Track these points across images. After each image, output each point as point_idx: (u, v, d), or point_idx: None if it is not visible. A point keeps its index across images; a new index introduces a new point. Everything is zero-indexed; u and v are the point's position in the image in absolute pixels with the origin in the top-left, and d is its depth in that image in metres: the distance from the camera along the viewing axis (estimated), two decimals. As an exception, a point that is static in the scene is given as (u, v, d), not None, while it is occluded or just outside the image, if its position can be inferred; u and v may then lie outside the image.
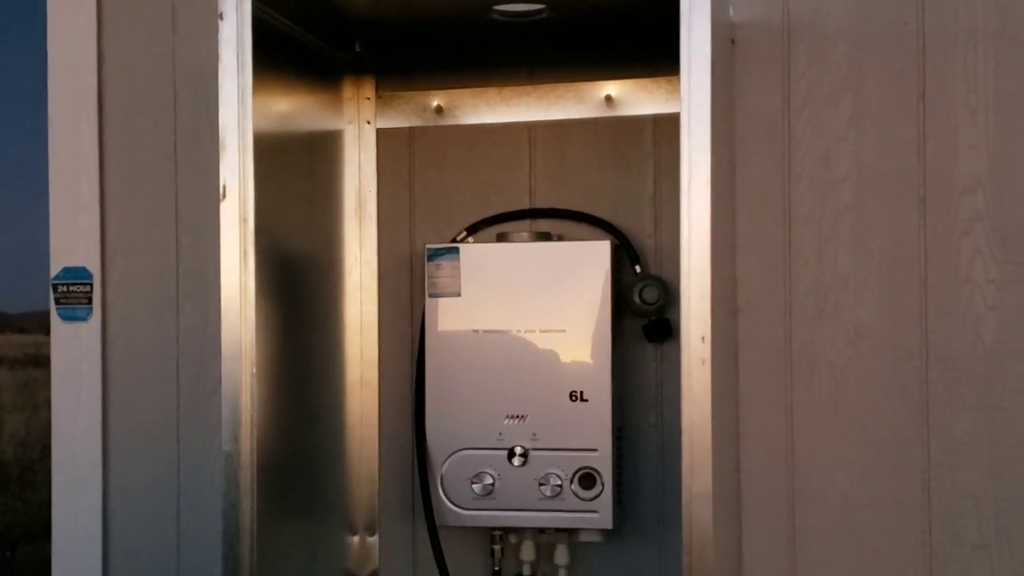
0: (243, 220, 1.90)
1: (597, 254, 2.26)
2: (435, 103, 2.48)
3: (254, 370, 1.92)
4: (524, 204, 2.47)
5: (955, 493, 2.30)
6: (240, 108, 1.91)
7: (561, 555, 2.38)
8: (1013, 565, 2.28)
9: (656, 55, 2.15)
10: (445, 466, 2.30)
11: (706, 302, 1.76)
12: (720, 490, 1.86)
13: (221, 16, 1.90)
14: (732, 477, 2.35)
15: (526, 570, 2.40)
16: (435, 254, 2.32)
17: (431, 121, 2.48)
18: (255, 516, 1.91)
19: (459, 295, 2.30)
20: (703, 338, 1.77)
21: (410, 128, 2.51)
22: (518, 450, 2.27)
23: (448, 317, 2.31)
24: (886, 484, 2.32)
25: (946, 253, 2.31)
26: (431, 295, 2.32)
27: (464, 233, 2.44)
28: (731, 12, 2.36)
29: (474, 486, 2.28)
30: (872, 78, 2.34)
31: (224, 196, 1.90)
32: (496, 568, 2.40)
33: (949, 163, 2.31)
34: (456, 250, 2.31)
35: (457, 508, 2.30)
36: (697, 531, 1.77)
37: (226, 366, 1.91)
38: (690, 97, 1.79)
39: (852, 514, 2.34)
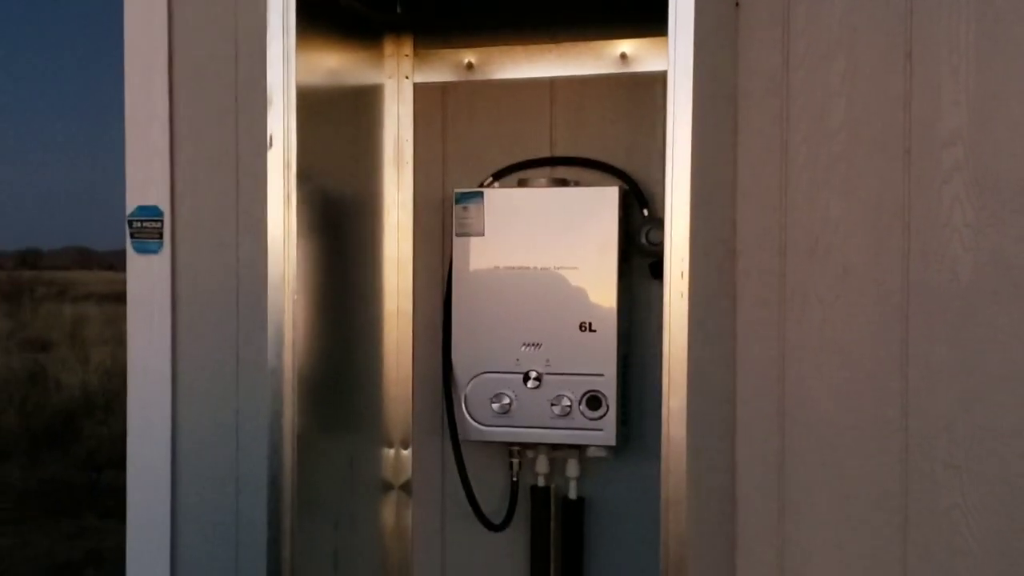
0: (287, 166, 2.18)
1: (607, 198, 2.50)
2: (467, 60, 2.73)
3: (295, 298, 2.19)
4: (545, 153, 2.71)
5: (930, 418, 2.52)
6: (285, 67, 2.17)
7: (572, 468, 2.65)
8: (981, 484, 2.50)
9: (667, 16, 2.37)
10: (468, 387, 2.57)
11: (685, 241, 2.00)
12: (699, 409, 2.12)
13: (269, -16, 2.17)
14: (727, 403, 2.60)
15: (541, 481, 2.68)
16: (462, 198, 2.58)
17: (463, 76, 2.74)
18: (295, 424, 2.20)
19: (483, 235, 2.56)
20: (682, 273, 2.00)
21: (444, 83, 2.76)
22: (533, 374, 2.53)
23: (473, 255, 2.57)
24: (867, 408, 2.56)
25: (928, 200, 2.52)
26: (458, 235, 2.58)
27: (490, 179, 2.70)
28: (735, -23, 2.58)
29: (493, 405, 2.55)
30: (864, 38, 2.55)
31: (271, 145, 2.17)
32: (514, 479, 2.68)
33: (932, 118, 2.51)
34: (481, 194, 2.56)
35: (478, 424, 2.57)
36: (673, 445, 2.01)
37: (271, 295, 2.19)
38: (675, 57, 2.01)
39: (836, 435, 2.57)
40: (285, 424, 2.19)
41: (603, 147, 2.66)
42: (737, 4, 2.60)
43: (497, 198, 2.56)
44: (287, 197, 2.17)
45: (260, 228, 2.24)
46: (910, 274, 2.53)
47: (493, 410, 2.55)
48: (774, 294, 2.60)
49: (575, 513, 2.68)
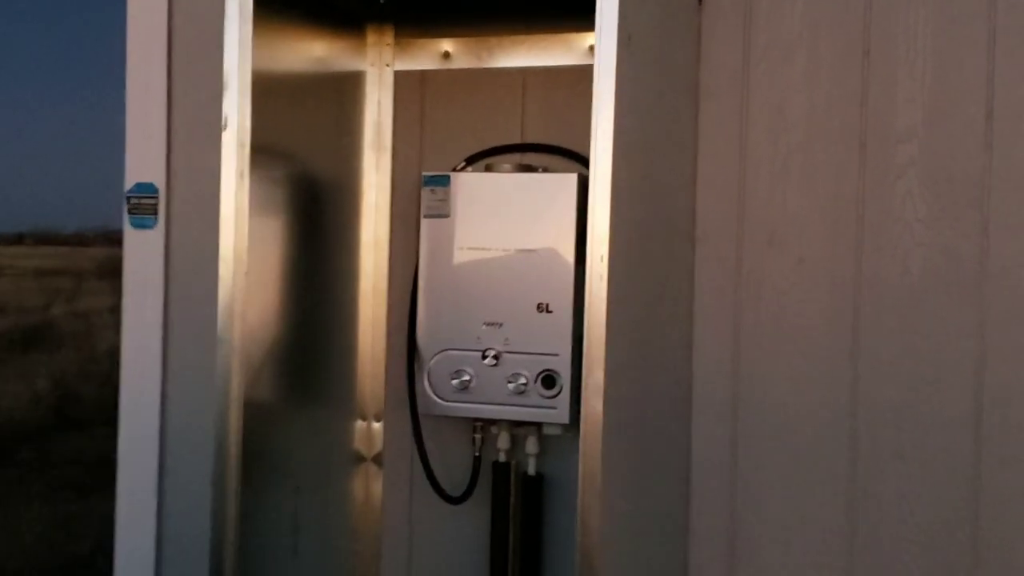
0: (240, 146, 2.29)
1: (567, 185, 2.58)
2: (444, 49, 2.83)
3: (245, 271, 2.30)
4: (516, 139, 2.81)
5: (878, 407, 2.58)
6: (241, 52, 2.29)
7: (531, 445, 2.75)
8: (926, 474, 2.56)
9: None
10: (431, 363, 2.67)
11: (605, 227, 2.08)
12: (620, 391, 2.20)
13: (226, -27, 2.28)
14: (683, 386, 2.68)
15: (502, 457, 2.77)
16: (430, 180, 2.67)
17: (441, 65, 2.83)
18: (242, 392, 2.31)
19: (448, 216, 2.66)
20: (602, 257, 2.08)
21: (423, 71, 2.87)
22: (491, 352, 2.62)
23: (439, 236, 2.67)
24: (819, 395, 2.62)
25: (881, 194, 2.58)
26: (425, 216, 2.67)
27: (463, 163, 2.80)
28: (700, -27, 2.66)
29: (453, 381, 2.64)
30: (824, 34, 2.61)
31: (225, 127, 2.29)
32: (476, 454, 2.78)
33: (888, 114, 2.57)
34: (448, 178, 2.66)
35: (440, 400, 2.67)
36: (590, 420, 2.09)
37: (222, 268, 2.30)
38: (600, 49, 2.09)
39: (788, 420, 2.64)
40: (232, 390, 2.30)
41: (571, 135, 2.74)
42: (700, 1, 2.67)
43: (463, 182, 2.66)
44: (240, 175, 2.28)
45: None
46: (863, 266, 2.59)
47: (453, 386, 2.64)
48: (730, 282, 2.68)
49: (534, 489, 2.77)
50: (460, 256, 2.65)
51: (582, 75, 2.72)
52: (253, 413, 2.37)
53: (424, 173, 2.68)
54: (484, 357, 2.62)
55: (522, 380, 2.59)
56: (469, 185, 2.66)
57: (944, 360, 2.53)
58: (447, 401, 2.66)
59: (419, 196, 2.80)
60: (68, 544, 6.60)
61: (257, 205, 2.38)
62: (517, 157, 2.78)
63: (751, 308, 2.67)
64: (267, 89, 2.37)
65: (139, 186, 3.06)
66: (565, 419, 2.59)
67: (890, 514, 2.58)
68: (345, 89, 2.81)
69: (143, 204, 3.06)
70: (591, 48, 2.64)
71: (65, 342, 13.28)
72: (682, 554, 2.71)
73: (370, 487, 2.91)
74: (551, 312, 2.59)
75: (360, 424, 2.88)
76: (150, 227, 3.06)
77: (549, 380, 2.58)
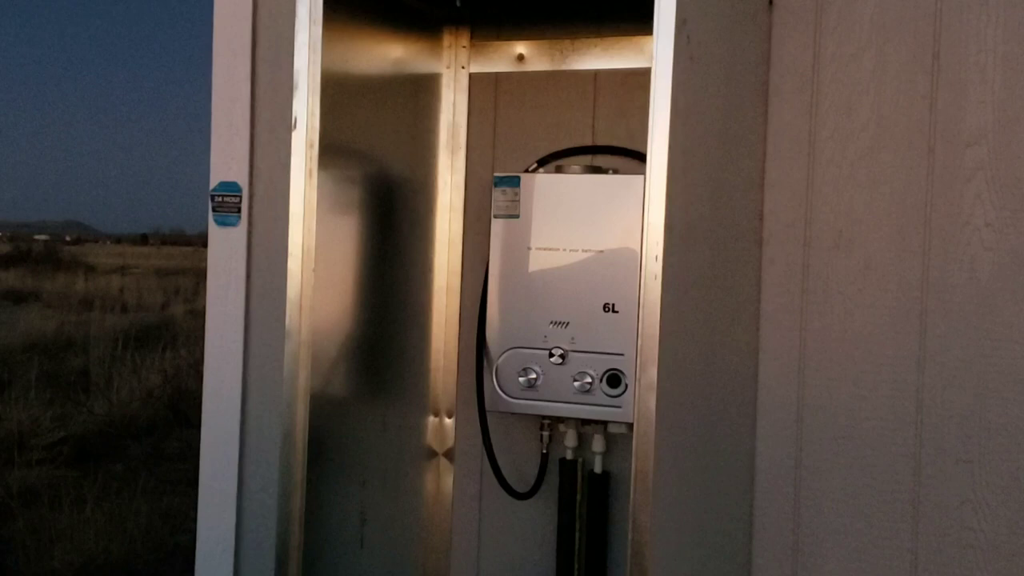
0: (310, 145, 2.35)
1: (633, 186, 2.61)
2: (518, 52, 2.87)
3: (313, 267, 2.37)
4: (587, 141, 2.84)
5: (944, 412, 2.57)
6: (311, 54, 2.35)
7: (598, 443, 2.78)
8: (992, 479, 2.54)
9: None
10: (500, 361, 2.72)
11: (660, 228, 2.10)
12: (678, 390, 2.22)
13: (299, -21, 2.35)
14: (748, 388, 2.69)
15: (569, 455, 2.81)
16: (500, 181, 2.72)
17: (514, 67, 2.88)
18: (309, 384, 2.38)
19: (519, 217, 2.70)
20: (656, 257, 2.11)
21: (497, 73, 2.91)
22: (557, 351, 2.66)
23: (509, 236, 2.71)
24: (884, 400, 2.62)
25: (950, 198, 2.56)
26: (495, 216, 2.72)
27: (535, 164, 2.84)
28: (771, -23, 2.67)
29: (520, 379, 2.69)
30: (893, 37, 2.61)
31: (295, 127, 2.36)
32: (544, 451, 2.82)
33: (957, 117, 2.56)
34: (518, 179, 2.70)
35: (507, 397, 2.71)
36: (643, 418, 2.12)
37: (291, 265, 2.37)
38: (658, 52, 2.12)
39: (852, 425, 2.64)
40: (299, 384, 2.37)
41: (641, 137, 2.76)
42: (771, 3, 2.68)
43: (533, 183, 2.70)
44: (309, 173, 2.35)
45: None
46: (930, 271, 2.58)
47: (520, 384, 2.69)
48: (797, 284, 2.68)
49: (601, 486, 2.80)
50: (529, 256, 2.70)
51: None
52: (322, 406, 2.44)
53: (495, 174, 2.73)
54: (551, 355, 2.66)
55: (587, 379, 2.63)
56: (539, 186, 2.70)
57: (1012, 366, 2.51)
58: (514, 398, 2.71)
59: (491, 196, 2.85)
60: (177, 534, 6.79)
61: (331, 203, 2.45)
62: (587, 159, 2.81)
63: (817, 312, 2.67)
64: (340, 90, 2.44)
65: (223, 184, 3.16)
66: (630, 418, 2.62)
67: (955, 520, 2.56)
68: (421, 91, 2.87)
69: (227, 202, 3.15)
70: (661, 51, 2.70)
71: (181, 340, 13.59)
72: (745, 556, 2.72)
73: (441, 482, 2.97)
74: (617, 312, 2.62)
75: (432, 420, 2.94)
76: (234, 224, 3.15)
77: (614, 379, 2.62)
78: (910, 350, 2.59)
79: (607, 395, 2.62)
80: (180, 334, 14.13)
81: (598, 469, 2.80)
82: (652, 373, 2.11)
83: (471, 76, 2.92)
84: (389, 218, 2.75)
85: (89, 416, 10.08)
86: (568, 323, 2.66)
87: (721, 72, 2.44)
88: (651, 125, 2.12)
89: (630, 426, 2.67)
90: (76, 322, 15.80)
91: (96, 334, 14.21)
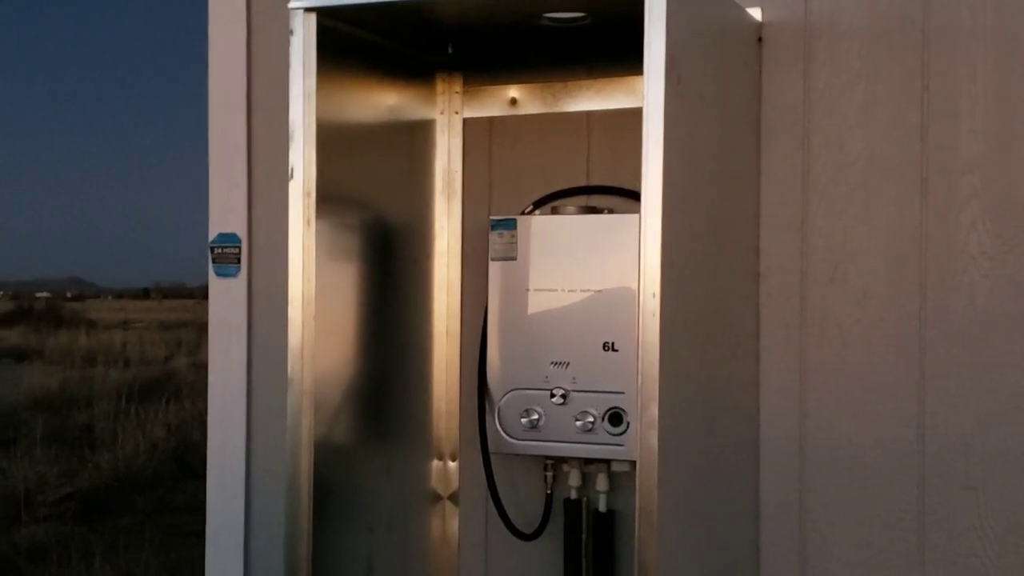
0: (307, 194, 2.37)
1: (629, 225, 2.61)
2: (511, 95, 2.90)
3: (314, 315, 2.38)
4: (582, 182, 2.86)
5: (947, 440, 2.58)
6: (306, 105, 2.38)
7: (602, 482, 2.78)
8: (998, 506, 2.54)
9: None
10: (501, 402, 2.73)
11: (657, 263, 2.12)
12: (680, 427, 2.23)
13: (291, 32, 2.37)
14: (750, 422, 2.70)
15: (573, 494, 2.81)
16: (497, 224, 2.74)
17: (508, 111, 2.91)
18: (313, 432, 2.39)
19: (515, 259, 2.72)
20: (653, 294, 2.12)
21: (490, 117, 2.94)
22: (559, 391, 2.67)
23: (507, 278, 2.73)
24: (886, 431, 2.62)
25: (945, 227, 2.58)
26: (493, 259, 2.74)
27: (531, 206, 2.86)
28: (760, 13, 2.70)
29: (523, 420, 2.69)
30: (882, 71, 2.64)
31: (292, 176, 2.38)
32: (548, 491, 2.82)
33: (950, 146, 2.58)
34: (514, 222, 2.72)
35: (510, 438, 2.72)
36: (645, 455, 2.13)
37: (291, 313, 2.39)
38: (648, 93, 2.15)
39: (855, 456, 2.65)
40: (303, 432, 2.38)
41: (635, 176, 2.78)
42: (760, 39, 2.70)
43: (529, 225, 2.72)
44: (307, 222, 2.36)
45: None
46: (927, 300, 2.59)
47: (523, 425, 2.69)
48: (796, 317, 2.69)
49: (606, 525, 2.80)
50: (527, 297, 2.71)
51: (644, 117, 2.80)
52: (326, 454, 2.45)
53: (491, 217, 2.75)
54: (552, 396, 2.67)
55: (590, 418, 2.64)
56: (535, 228, 2.72)
57: (1012, 392, 2.52)
58: (517, 440, 2.71)
59: (488, 239, 2.87)
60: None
61: (329, 251, 2.47)
62: (583, 199, 2.83)
63: (816, 345, 2.68)
64: (336, 139, 2.47)
65: (222, 236, 3.18)
66: (632, 456, 2.61)
67: (961, 548, 2.56)
68: (415, 137, 2.90)
69: (226, 253, 3.17)
70: (653, 90, 2.72)
71: (184, 392, 13.59)
72: (754, 590, 2.72)
73: (447, 525, 2.97)
74: (617, 351, 2.63)
75: (436, 463, 2.95)
76: (233, 275, 3.17)
77: (616, 418, 2.62)
78: (910, 379, 2.60)
79: (609, 434, 2.63)
80: (183, 387, 14.15)
81: (603, 508, 2.80)
82: (653, 410, 2.12)
83: (465, 121, 2.95)
84: (387, 264, 2.76)
85: (95, 471, 10.07)
86: (568, 363, 2.68)
87: (713, 110, 2.46)
88: (644, 164, 2.15)
89: (633, 464, 2.67)
90: (79, 378, 15.80)
91: (100, 389, 14.22)
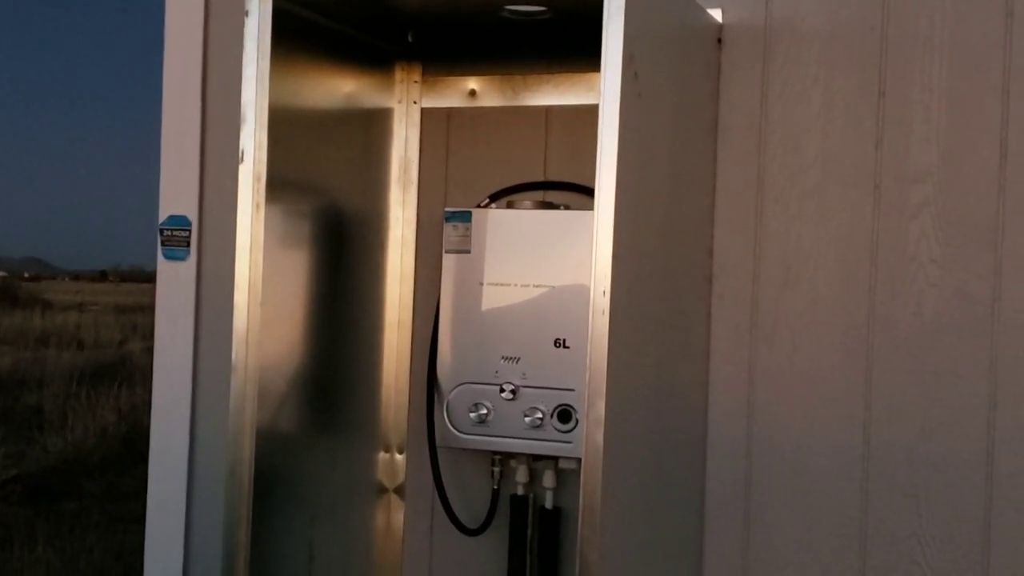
0: (257, 179, 2.35)
1: (583, 222, 2.60)
2: (470, 87, 2.89)
3: (260, 301, 2.36)
4: (539, 176, 2.85)
5: (891, 447, 2.59)
6: (259, 88, 2.35)
7: (549, 479, 2.78)
8: (937, 513, 2.56)
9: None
10: (451, 396, 2.71)
11: (608, 261, 2.11)
12: (627, 426, 2.22)
13: (246, 13, 2.34)
14: (698, 423, 2.70)
15: (520, 490, 2.80)
16: (451, 217, 2.73)
17: (467, 103, 2.89)
18: (255, 420, 2.36)
19: (469, 252, 2.71)
20: (604, 292, 2.12)
21: (449, 108, 2.92)
22: (508, 386, 2.66)
23: (460, 271, 2.71)
24: (831, 435, 2.63)
25: (895, 234, 2.59)
26: (446, 251, 2.72)
27: (487, 200, 2.84)
28: (720, 15, 2.70)
29: (471, 415, 2.68)
30: (840, 76, 2.64)
31: (242, 160, 2.35)
32: (495, 487, 2.81)
33: (903, 154, 2.59)
34: (469, 214, 2.71)
35: (458, 432, 2.70)
36: (591, 453, 2.12)
37: (237, 299, 2.36)
38: (605, 90, 2.13)
39: (801, 459, 2.65)
40: (246, 418, 2.35)
41: (592, 173, 2.78)
42: (719, 40, 2.70)
43: (485, 218, 2.70)
44: (256, 207, 2.34)
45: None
46: (876, 306, 2.60)
47: (471, 419, 2.68)
48: (747, 319, 2.69)
49: (552, 522, 2.79)
50: (480, 291, 2.70)
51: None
52: (270, 442, 2.43)
53: (446, 209, 2.73)
54: (502, 391, 2.66)
55: (538, 414, 2.63)
56: (491, 221, 2.70)
57: (956, 401, 2.54)
58: (465, 434, 2.70)
59: (443, 231, 2.86)
60: (130, 572, 6.71)
61: (279, 237, 2.45)
62: (539, 195, 2.82)
63: (766, 347, 2.68)
64: (290, 123, 2.45)
65: (172, 219, 3.14)
66: (580, 453, 2.61)
67: (903, 555, 2.57)
68: (372, 125, 2.88)
69: (176, 236, 3.14)
70: (612, 87, 2.72)
71: (137, 377, 13.47)
72: (696, 590, 2.72)
73: (392, 518, 2.95)
74: (568, 348, 2.63)
75: (383, 455, 2.93)
76: (183, 259, 3.14)
77: (565, 415, 2.62)
78: (856, 385, 2.61)
79: (558, 430, 2.62)
80: (136, 371, 14.00)
81: (549, 505, 2.79)
82: (600, 408, 2.12)
83: (423, 111, 2.93)
84: (340, 253, 2.74)
85: (43, 454, 9.97)
86: (519, 358, 2.66)
87: (670, 109, 2.46)
88: (599, 161, 2.13)
89: (581, 461, 2.67)
90: (31, 359, 15.64)
91: (51, 371, 14.07)
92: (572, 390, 2.62)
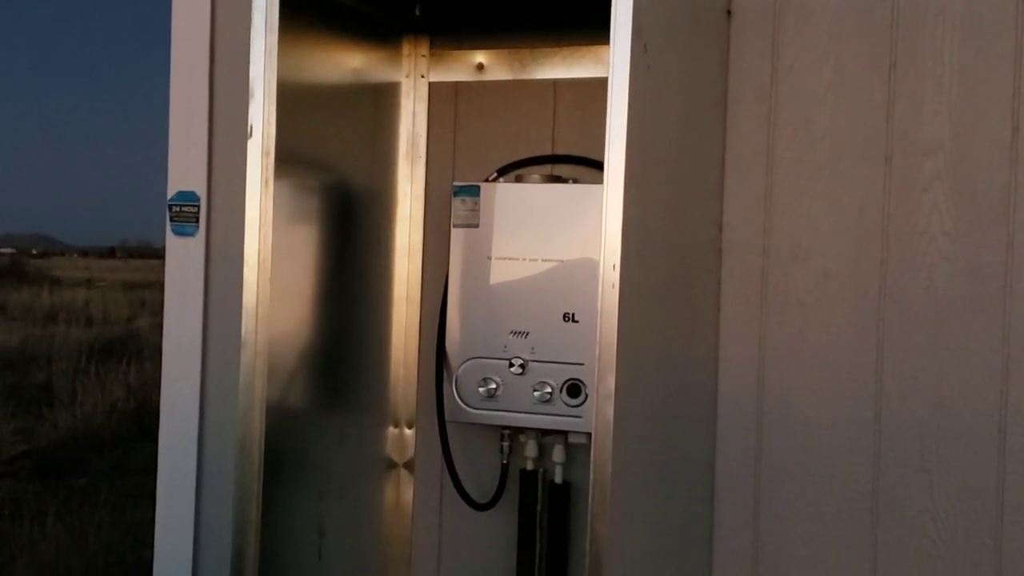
0: (266, 154, 2.34)
1: (592, 196, 2.59)
2: (478, 61, 2.87)
3: (269, 276, 2.35)
4: (548, 150, 2.84)
5: (902, 422, 2.58)
6: (267, 62, 2.33)
7: (558, 454, 2.77)
8: (950, 488, 2.55)
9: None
10: (459, 371, 2.71)
11: (618, 235, 2.10)
12: (637, 400, 2.22)
13: (254, -13, 2.33)
14: (708, 397, 2.69)
15: (529, 465, 2.80)
16: (460, 191, 2.71)
17: (474, 76, 2.88)
18: (264, 394, 2.36)
19: (478, 226, 2.69)
20: (614, 266, 2.10)
21: (456, 82, 2.91)
22: (517, 361, 2.65)
23: (468, 245, 2.70)
24: (843, 410, 2.62)
25: (907, 208, 2.57)
26: (455, 226, 2.71)
27: (495, 174, 2.83)
28: (729, -13, 2.68)
29: (480, 389, 2.67)
30: (850, 48, 2.62)
31: (251, 135, 2.34)
32: (504, 462, 2.81)
33: (914, 127, 2.57)
34: (477, 188, 2.70)
35: (467, 407, 2.70)
36: (601, 427, 2.11)
37: (246, 274, 2.35)
38: (614, 62, 2.11)
39: (812, 434, 2.64)
40: (255, 394, 2.35)
41: (601, 146, 2.76)
42: (729, 12, 2.68)
43: (493, 192, 2.69)
44: (265, 182, 2.33)
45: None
46: (888, 280, 2.58)
47: (480, 394, 2.67)
48: (756, 293, 2.68)
49: (561, 496, 2.79)
50: (489, 266, 2.69)
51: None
52: (279, 417, 2.42)
53: (454, 183, 2.72)
54: (511, 366, 2.65)
55: (548, 389, 2.62)
56: (499, 196, 2.69)
57: (968, 375, 2.52)
58: (474, 409, 2.70)
59: (452, 205, 2.84)
60: (140, 549, 6.73)
61: (288, 212, 2.44)
62: (547, 168, 2.81)
63: (776, 322, 2.67)
64: (298, 98, 2.43)
65: (181, 194, 3.14)
66: (590, 428, 2.60)
67: (915, 529, 2.57)
68: (380, 99, 2.86)
69: (184, 212, 3.13)
70: (621, 60, 2.70)
71: (146, 353, 13.48)
72: (706, 565, 2.72)
73: (401, 493, 2.95)
74: (577, 322, 2.62)
75: (392, 430, 2.93)
76: (191, 235, 3.13)
77: (574, 389, 2.61)
78: (868, 359, 2.60)
79: (567, 405, 2.62)
80: (145, 347, 14.02)
81: (559, 479, 2.79)
82: (610, 382, 2.11)
83: (431, 85, 2.92)
84: (348, 228, 2.73)
85: (52, 430, 9.99)
86: (528, 333, 2.66)
87: (679, 82, 2.44)
88: (608, 134, 2.12)
89: (590, 436, 2.66)
90: (40, 335, 15.67)
91: (60, 347, 14.10)
92: (581, 364, 2.61)
